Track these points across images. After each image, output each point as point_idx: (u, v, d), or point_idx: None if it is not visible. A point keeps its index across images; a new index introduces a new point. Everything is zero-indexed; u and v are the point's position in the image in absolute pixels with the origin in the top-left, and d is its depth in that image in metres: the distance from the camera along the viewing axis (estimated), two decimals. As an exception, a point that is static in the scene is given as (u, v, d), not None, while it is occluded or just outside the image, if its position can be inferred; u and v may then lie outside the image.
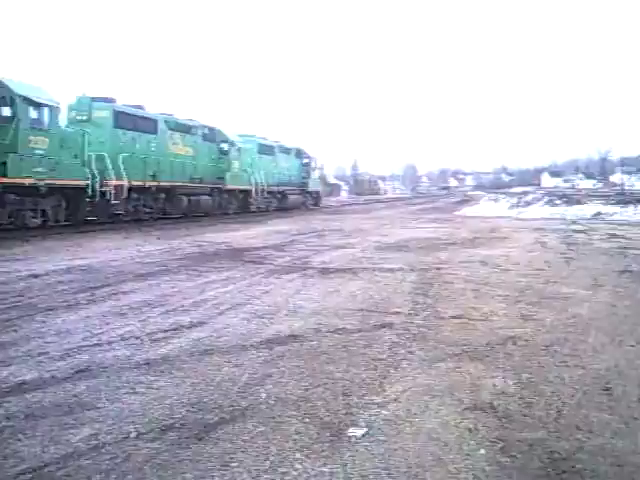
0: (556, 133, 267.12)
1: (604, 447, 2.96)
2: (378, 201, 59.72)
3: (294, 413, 3.32)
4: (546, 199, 33.94)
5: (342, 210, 36.87)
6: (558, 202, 32.14)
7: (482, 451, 2.89)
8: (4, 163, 13.99)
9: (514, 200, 34.91)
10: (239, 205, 28.36)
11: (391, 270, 9.20)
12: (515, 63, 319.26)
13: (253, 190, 29.20)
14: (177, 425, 3.14)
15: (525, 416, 3.34)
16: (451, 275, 8.78)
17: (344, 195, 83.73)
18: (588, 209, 28.32)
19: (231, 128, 29.43)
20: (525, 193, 45.26)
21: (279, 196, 33.39)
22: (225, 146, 26.92)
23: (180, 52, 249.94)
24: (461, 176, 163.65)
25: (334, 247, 12.93)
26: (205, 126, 25.65)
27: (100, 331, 5.11)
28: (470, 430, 3.14)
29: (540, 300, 6.78)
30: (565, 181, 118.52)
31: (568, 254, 11.67)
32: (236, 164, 27.46)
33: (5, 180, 13.96)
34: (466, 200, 52.34)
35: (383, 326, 5.45)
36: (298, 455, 2.80)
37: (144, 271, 8.67)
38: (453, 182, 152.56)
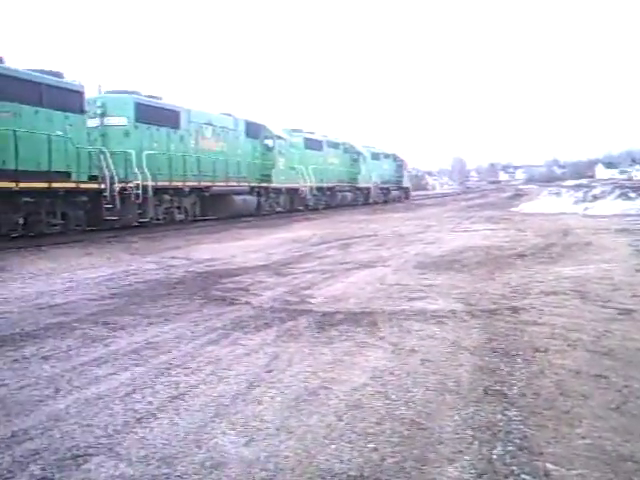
0: (610, 122, 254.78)
1: None
2: (425, 197, 56.13)
3: None
4: (617, 192, 29.31)
5: (382, 208, 33.59)
6: (632, 195, 27.62)
7: None
8: (269, 175, 25.37)
9: (579, 194, 30.47)
10: (364, 199, 38.99)
11: (437, 317, 5.56)
12: (567, 52, 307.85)
13: (372, 187, 40.03)
14: None
15: None
16: (539, 328, 5.10)
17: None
18: (673, 203, 23.79)
19: (358, 139, 41.91)
20: (584, 186, 40.58)
21: (385, 191, 43.82)
22: (355, 155, 37.32)
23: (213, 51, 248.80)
24: (511, 170, 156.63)
25: (357, 266, 9.32)
26: (345, 142, 36.55)
27: None
28: None
29: None
30: (621, 172, 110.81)
31: None
32: (363, 169, 38.15)
33: (272, 185, 25.59)
34: (519, 195, 47.72)
35: None
36: None
37: (15, 330, 5.18)
38: (503, 176, 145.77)
